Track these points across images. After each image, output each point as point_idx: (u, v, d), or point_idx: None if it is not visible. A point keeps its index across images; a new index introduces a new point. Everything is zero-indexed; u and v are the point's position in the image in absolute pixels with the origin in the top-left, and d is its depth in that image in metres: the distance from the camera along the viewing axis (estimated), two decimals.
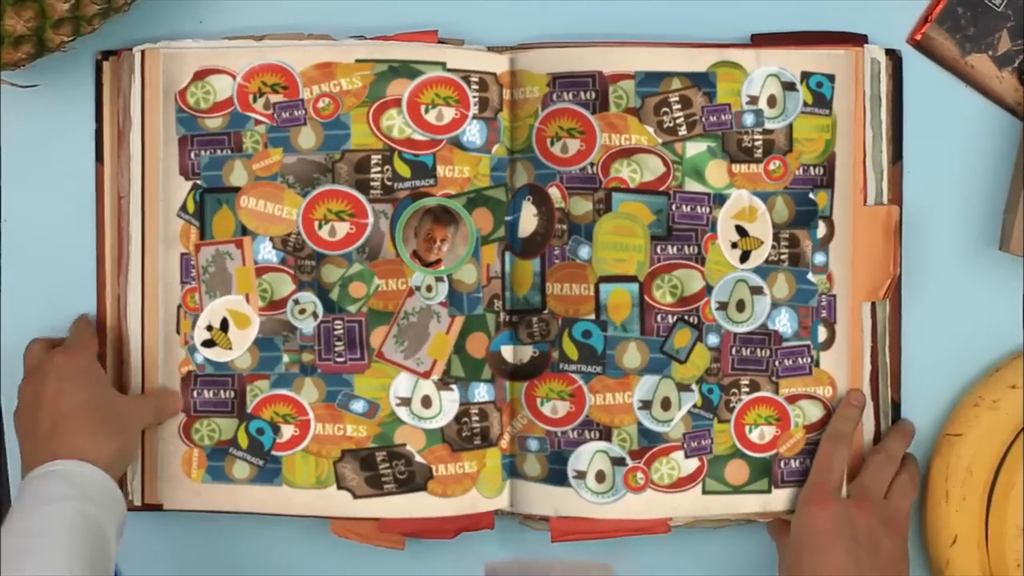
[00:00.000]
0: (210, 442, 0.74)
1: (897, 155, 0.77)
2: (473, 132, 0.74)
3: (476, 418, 0.75)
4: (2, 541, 0.63)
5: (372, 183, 0.74)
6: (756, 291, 0.76)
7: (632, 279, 0.75)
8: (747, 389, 0.76)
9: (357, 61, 0.74)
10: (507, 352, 0.75)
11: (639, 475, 0.75)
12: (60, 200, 0.76)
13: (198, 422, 0.74)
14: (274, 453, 0.74)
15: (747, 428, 0.76)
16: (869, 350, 0.76)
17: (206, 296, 0.74)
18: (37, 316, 0.76)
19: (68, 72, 0.75)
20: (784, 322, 0.76)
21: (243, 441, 0.74)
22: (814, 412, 0.76)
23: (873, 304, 0.76)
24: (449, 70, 0.74)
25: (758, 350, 0.76)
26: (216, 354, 0.74)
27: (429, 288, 0.74)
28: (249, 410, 0.74)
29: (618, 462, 0.74)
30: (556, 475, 0.74)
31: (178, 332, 0.74)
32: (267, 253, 0.74)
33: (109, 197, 0.76)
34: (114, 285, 0.75)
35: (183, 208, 0.74)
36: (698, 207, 0.75)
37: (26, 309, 0.77)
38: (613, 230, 0.75)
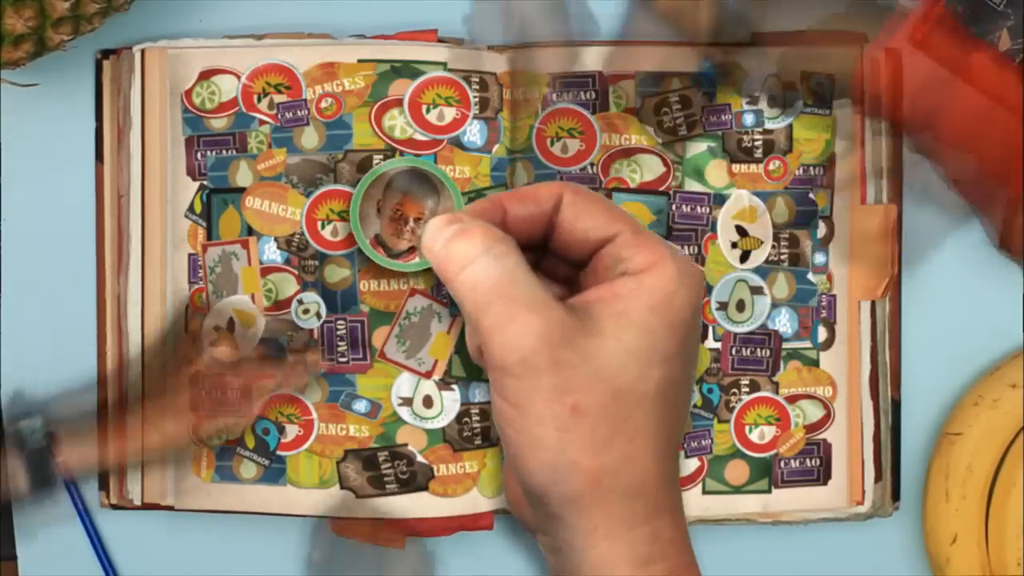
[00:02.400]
0: (218, 442, 0.74)
1: (897, 154, 0.77)
2: (474, 132, 0.74)
3: (477, 418, 0.75)
4: None
5: None
6: (756, 291, 0.76)
7: None
8: (747, 389, 0.76)
9: (359, 61, 0.74)
10: None
11: None
12: (60, 199, 0.76)
13: (206, 421, 0.74)
14: (279, 453, 0.74)
15: (747, 428, 0.76)
16: (869, 349, 0.76)
17: (213, 296, 0.74)
18: (37, 315, 0.76)
19: (68, 71, 0.75)
20: (784, 322, 0.76)
21: (250, 441, 0.74)
22: (814, 412, 0.76)
23: (873, 303, 0.76)
24: (450, 70, 0.74)
25: (758, 350, 0.76)
26: (223, 354, 0.74)
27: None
28: (255, 410, 0.74)
29: None
30: None
31: (186, 332, 0.74)
32: (272, 253, 0.74)
33: (109, 196, 0.75)
34: (114, 284, 0.75)
35: (190, 209, 0.74)
36: (698, 207, 0.75)
37: (26, 309, 0.76)
38: None
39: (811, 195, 0.76)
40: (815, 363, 0.76)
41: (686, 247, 0.75)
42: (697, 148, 0.75)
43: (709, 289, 0.75)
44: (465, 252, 0.55)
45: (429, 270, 0.72)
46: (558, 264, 0.60)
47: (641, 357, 0.54)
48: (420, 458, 0.74)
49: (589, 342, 0.54)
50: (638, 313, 0.55)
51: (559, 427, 0.53)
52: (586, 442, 0.53)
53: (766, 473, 0.76)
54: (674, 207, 0.75)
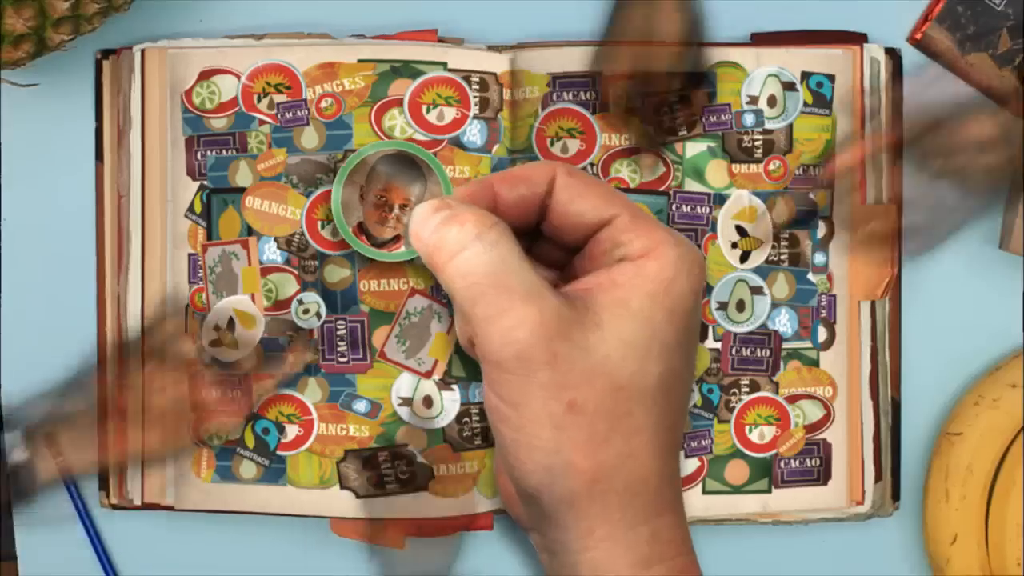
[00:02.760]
0: (218, 442, 0.74)
1: (897, 155, 0.77)
2: (474, 132, 0.74)
3: (477, 418, 0.75)
4: None
5: None
6: (756, 291, 0.76)
7: None
8: (747, 389, 0.76)
9: (359, 61, 0.74)
10: None
11: None
12: (60, 199, 0.76)
13: (207, 422, 0.74)
14: (279, 453, 0.74)
15: (747, 428, 0.76)
16: (869, 349, 0.76)
17: (213, 296, 0.74)
18: (37, 316, 0.76)
19: (68, 71, 0.75)
20: (784, 322, 0.76)
21: (250, 441, 0.74)
22: (814, 412, 0.76)
23: (873, 304, 0.76)
24: (450, 70, 0.74)
25: (758, 350, 0.76)
26: (223, 354, 0.74)
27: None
28: (255, 410, 0.74)
29: None
30: None
31: (186, 332, 0.74)
32: (272, 253, 0.74)
33: (109, 196, 0.75)
34: (114, 284, 0.75)
35: (190, 209, 0.74)
36: (698, 207, 0.75)
37: (26, 309, 0.76)
38: None
39: (811, 195, 0.76)
40: (815, 363, 0.76)
41: None
42: (697, 148, 0.75)
43: (709, 289, 0.75)
44: (456, 239, 0.51)
45: (423, 265, 0.72)
46: (551, 249, 0.57)
47: (640, 349, 0.51)
48: (420, 458, 0.74)
49: (587, 334, 0.51)
50: (637, 302, 0.52)
51: (555, 425, 0.50)
52: (583, 441, 0.50)
53: (766, 473, 0.76)
54: (674, 207, 0.75)
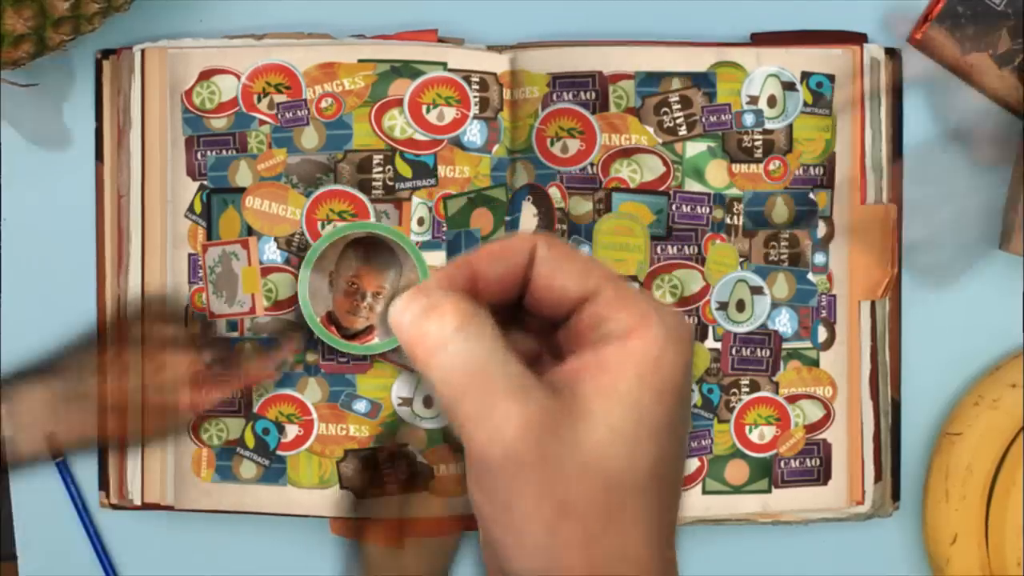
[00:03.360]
0: (219, 442, 0.74)
1: (897, 154, 0.77)
2: (474, 132, 0.74)
3: None
4: None
5: (374, 183, 0.74)
6: (756, 291, 0.76)
7: (632, 279, 0.75)
8: (747, 389, 0.76)
9: (359, 61, 0.74)
10: None
11: None
12: (60, 199, 0.76)
13: (207, 422, 0.74)
14: (279, 453, 0.74)
15: (747, 428, 0.76)
16: (869, 349, 0.76)
17: (213, 296, 0.74)
18: (37, 316, 0.76)
19: (68, 71, 0.75)
20: (784, 322, 0.76)
21: (250, 441, 0.74)
22: (814, 412, 0.76)
23: (873, 303, 0.76)
24: (450, 70, 0.74)
25: (758, 350, 0.76)
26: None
27: None
28: (255, 410, 0.74)
29: None
30: None
31: (185, 325, 0.74)
32: (272, 253, 0.74)
33: (109, 196, 0.75)
34: (114, 284, 0.75)
35: (190, 209, 0.74)
36: (698, 207, 0.75)
37: (26, 309, 0.76)
38: (613, 230, 0.75)
39: (811, 195, 0.76)
40: (815, 363, 0.76)
41: (686, 247, 0.75)
42: (697, 148, 0.75)
43: (709, 289, 0.75)
44: (436, 333, 0.48)
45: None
46: (533, 319, 0.55)
47: (629, 436, 0.49)
48: (420, 458, 0.74)
49: (576, 426, 0.49)
50: (625, 384, 0.49)
51: (547, 527, 0.48)
52: (577, 542, 0.48)
53: (766, 473, 0.76)
54: (674, 207, 0.75)
